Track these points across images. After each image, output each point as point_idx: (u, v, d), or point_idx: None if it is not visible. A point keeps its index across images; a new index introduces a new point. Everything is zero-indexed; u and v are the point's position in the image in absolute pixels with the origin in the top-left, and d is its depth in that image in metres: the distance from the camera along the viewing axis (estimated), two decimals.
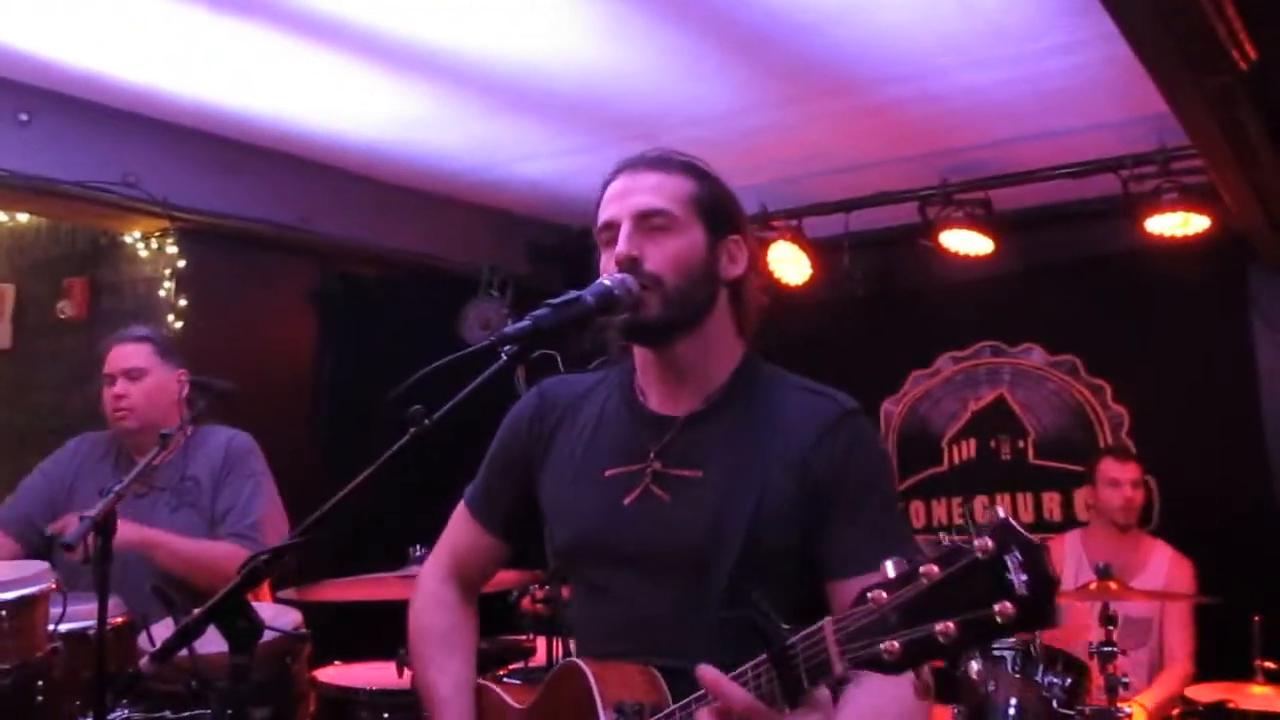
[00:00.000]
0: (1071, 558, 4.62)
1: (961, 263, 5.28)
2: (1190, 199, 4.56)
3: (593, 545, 1.86)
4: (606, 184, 1.87)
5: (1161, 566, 4.44)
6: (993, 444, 5.76)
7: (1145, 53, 2.88)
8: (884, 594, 1.26)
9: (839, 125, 4.67)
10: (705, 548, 1.72)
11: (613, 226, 1.82)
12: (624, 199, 1.82)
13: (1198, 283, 5.06)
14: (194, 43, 3.86)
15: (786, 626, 1.40)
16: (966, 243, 5.17)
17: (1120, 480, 4.49)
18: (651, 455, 1.83)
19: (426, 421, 1.51)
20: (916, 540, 1.71)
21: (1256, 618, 3.92)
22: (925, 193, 5.18)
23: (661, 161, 1.86)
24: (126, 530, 2.81)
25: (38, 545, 3.31)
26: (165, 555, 3.19)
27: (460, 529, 2.10)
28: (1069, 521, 5.32)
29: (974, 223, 5.07)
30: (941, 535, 1.60)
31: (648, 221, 1.80)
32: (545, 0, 3.56)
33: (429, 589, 2.08)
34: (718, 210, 1.85)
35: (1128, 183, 4.71)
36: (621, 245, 1.78)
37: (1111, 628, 3.71)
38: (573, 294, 1.67)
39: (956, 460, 5.83)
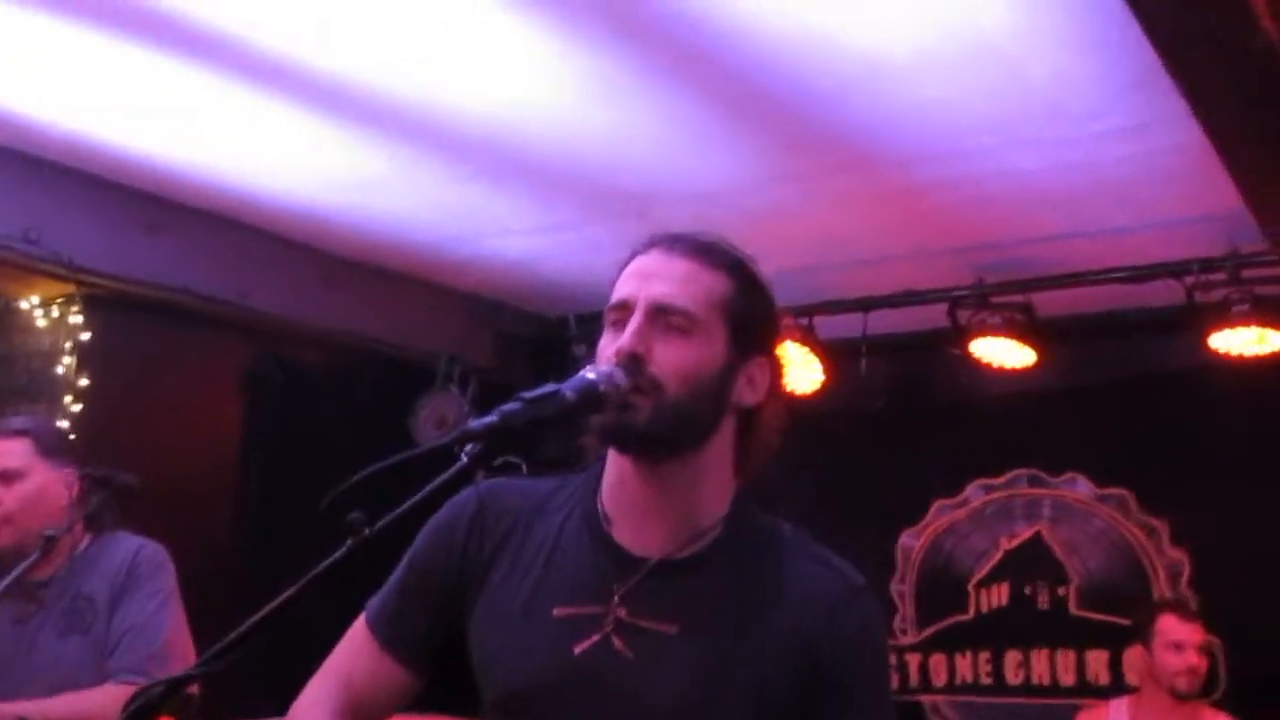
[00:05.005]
0: None
1: (997, 376, 5.29)
2: (1265, 312, 4.59)
3: (530, 700, 1.75)
4: (634, 254, 1.80)
5: None
6: (1028, 590, 5.70)
7: (1217, 127, 2.86)
8: None
9: (859, 209, 4.69)
10: None
11: (625, 308, 1.74)
12: (645, 280, 1.75)
13: (1271, 409, 5.06)
14: (115, 82, 3.85)
15: None
16: (1003, 353, 5.18)
17: (1184, 643, 4.36)
18: (616, 598, 1.74)
19: (368, 531, 1.44)
20: None
21: None
22: (957, 293, 5.21)
23: (705, 250, 1.78)
24: None
25: None
26: None
27: (357, 650, 1.93)
28: (1117, 685, 5.23)
29: (1013, 330, 5.08)
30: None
31: (664, 317, 1.72)
32: (527, 53, 3.58)
33: None
34: (751, 325, 1.78)
35: (1192, 290, 4.75)
36: (626, 338, 1.70)
37: None
38: (550, 387, 1.60)
39: (985, 608, 5.76)
